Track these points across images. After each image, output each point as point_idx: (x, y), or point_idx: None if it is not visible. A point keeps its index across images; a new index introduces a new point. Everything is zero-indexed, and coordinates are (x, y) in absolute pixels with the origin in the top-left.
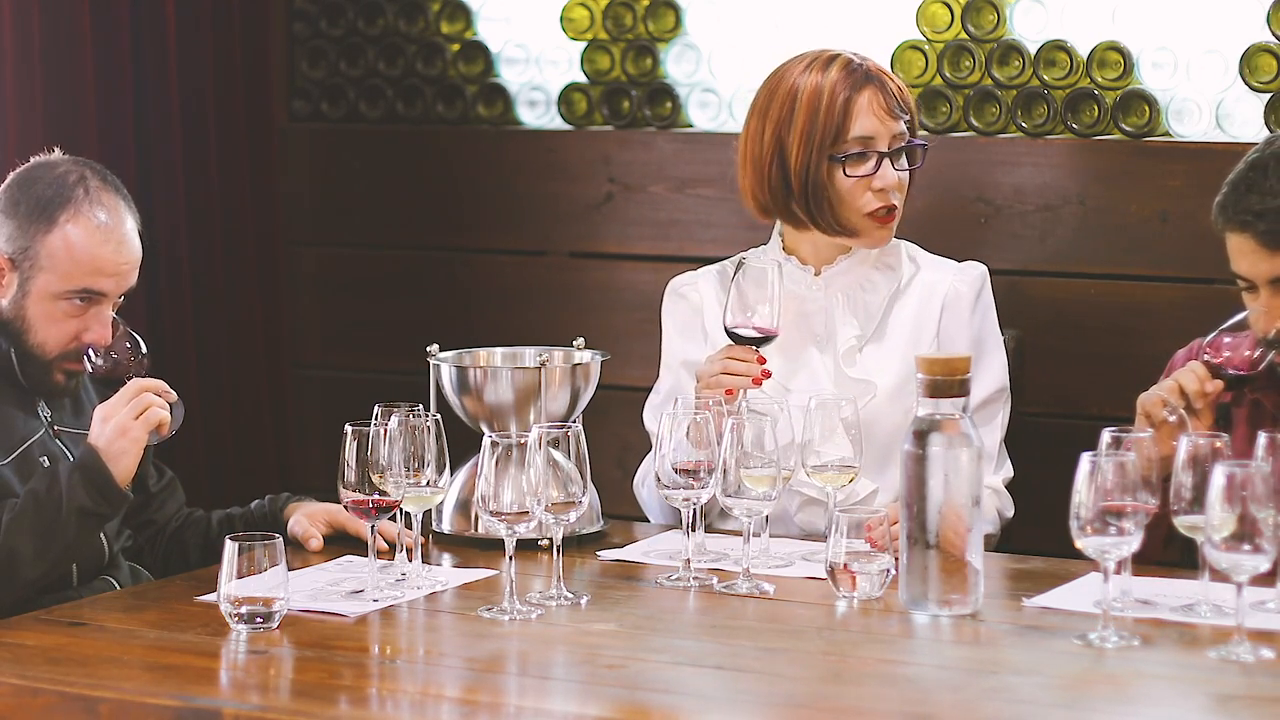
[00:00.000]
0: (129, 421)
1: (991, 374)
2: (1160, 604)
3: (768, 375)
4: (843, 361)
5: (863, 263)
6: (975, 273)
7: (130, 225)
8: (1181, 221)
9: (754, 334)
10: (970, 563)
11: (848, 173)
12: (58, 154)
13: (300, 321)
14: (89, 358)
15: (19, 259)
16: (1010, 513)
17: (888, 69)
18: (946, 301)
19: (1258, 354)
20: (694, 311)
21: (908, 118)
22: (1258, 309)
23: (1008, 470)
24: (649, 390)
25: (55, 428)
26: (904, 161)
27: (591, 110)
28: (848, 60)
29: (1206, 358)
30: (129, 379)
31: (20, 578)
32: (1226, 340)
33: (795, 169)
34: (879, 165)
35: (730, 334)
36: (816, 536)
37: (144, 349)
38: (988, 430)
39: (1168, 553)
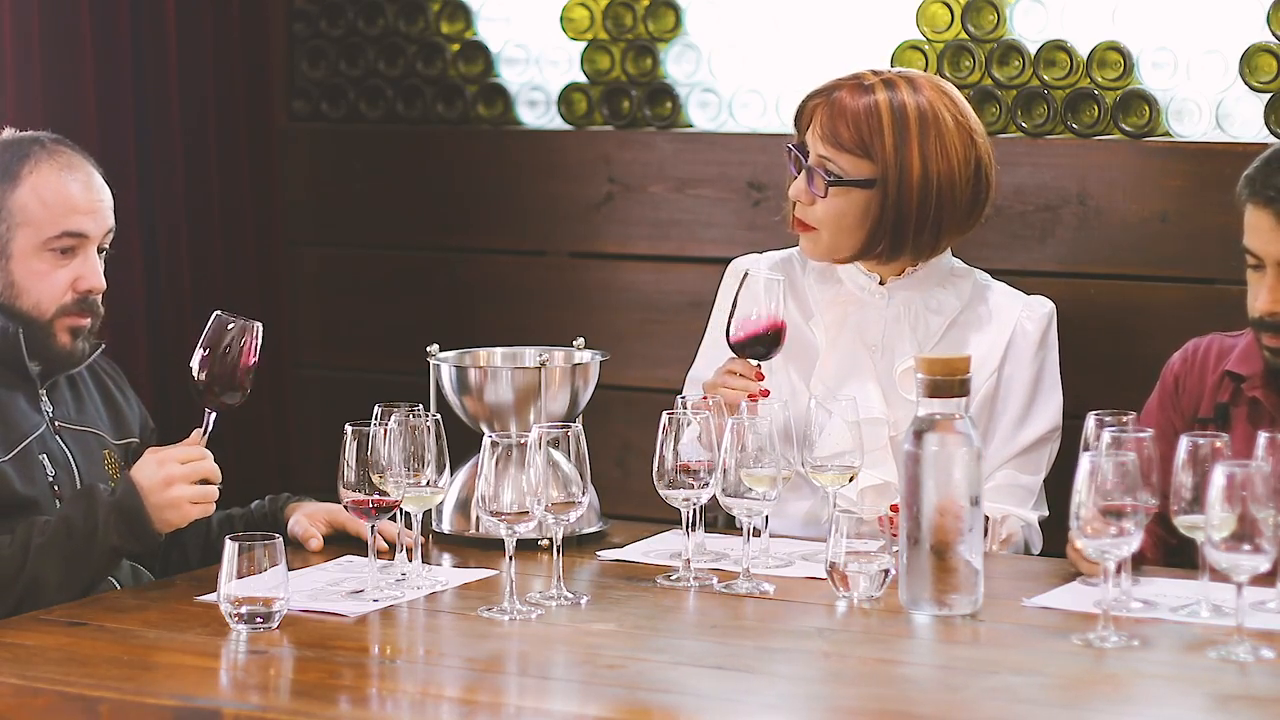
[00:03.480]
0: (185, 498)
1: (1047, 414)
2: (1160, 604)
3: (765, 394)
4: (900, 383)
5: (928, 279)
6: (1043, 311)
7: (94, 171)
8: (1181, 221)
9: (748, 341)
10: (970, 562)
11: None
12: (10, 131)
13: (300, 321)
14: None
15: None
16: (1037, 550)
17: (869, 107)
18: (1013, 339)
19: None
20: None
21: (844, 151)
22: (1260, 287)
23: (1044, 509)
24: (649, 390)
25: (57, 424)
26: (818, 184)
27: (591, 110)
28: (856, 75)
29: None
30: (241, 376)
31: (42, 603)
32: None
33: None
34: (799, 173)
35: (730, 346)
36: None
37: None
38: (1034, 470)
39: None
